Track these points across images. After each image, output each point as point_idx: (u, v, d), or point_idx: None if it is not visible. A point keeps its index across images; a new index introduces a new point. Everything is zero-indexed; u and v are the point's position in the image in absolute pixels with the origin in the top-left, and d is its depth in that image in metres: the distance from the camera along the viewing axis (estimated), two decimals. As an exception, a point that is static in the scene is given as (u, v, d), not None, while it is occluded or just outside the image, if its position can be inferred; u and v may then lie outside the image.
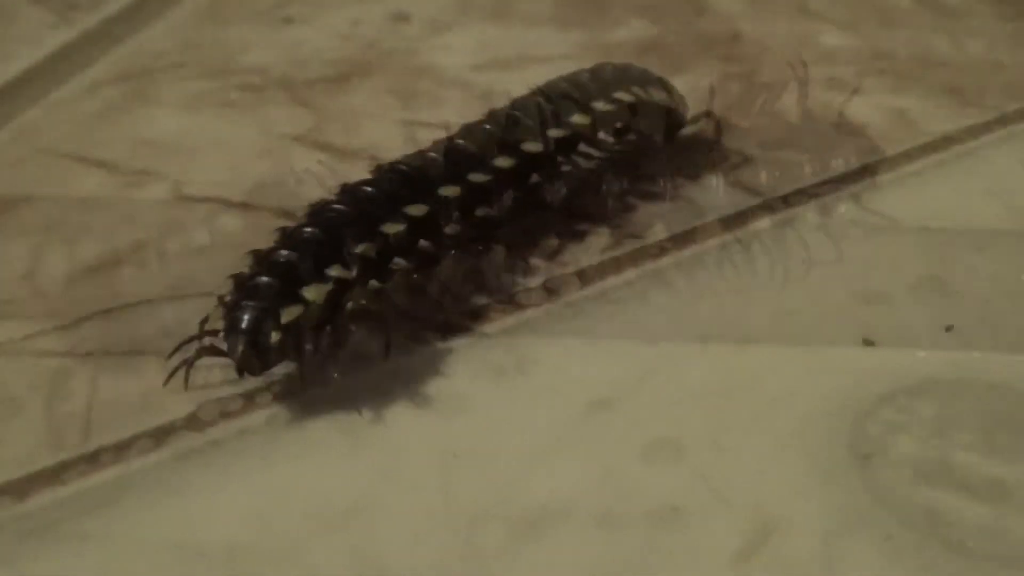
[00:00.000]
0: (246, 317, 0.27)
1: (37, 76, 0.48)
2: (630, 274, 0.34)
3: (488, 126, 0.34)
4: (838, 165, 0.39)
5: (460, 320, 0.32)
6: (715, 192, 0.38)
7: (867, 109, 0.43)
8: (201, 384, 0.29)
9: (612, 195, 0.36)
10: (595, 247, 0.35)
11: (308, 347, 0.28)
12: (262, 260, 0.29)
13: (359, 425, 0.28)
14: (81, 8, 0.55)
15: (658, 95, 0.38)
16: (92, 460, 0.28)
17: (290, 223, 0.30)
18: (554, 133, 0.35)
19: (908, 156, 0.40)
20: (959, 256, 0.34)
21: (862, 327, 0.31)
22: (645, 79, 0.39)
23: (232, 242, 0.36)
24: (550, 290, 0.33)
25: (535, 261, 0.34)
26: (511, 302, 0.32)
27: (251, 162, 0.41)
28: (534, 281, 0.33)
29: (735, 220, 0.36)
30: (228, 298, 0.28)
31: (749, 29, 0.50)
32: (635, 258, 0.34)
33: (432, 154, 0.33)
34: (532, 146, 0.34)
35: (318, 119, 0.43)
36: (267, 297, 0.28)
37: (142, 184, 0.40)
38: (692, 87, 0.44)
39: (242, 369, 0.28)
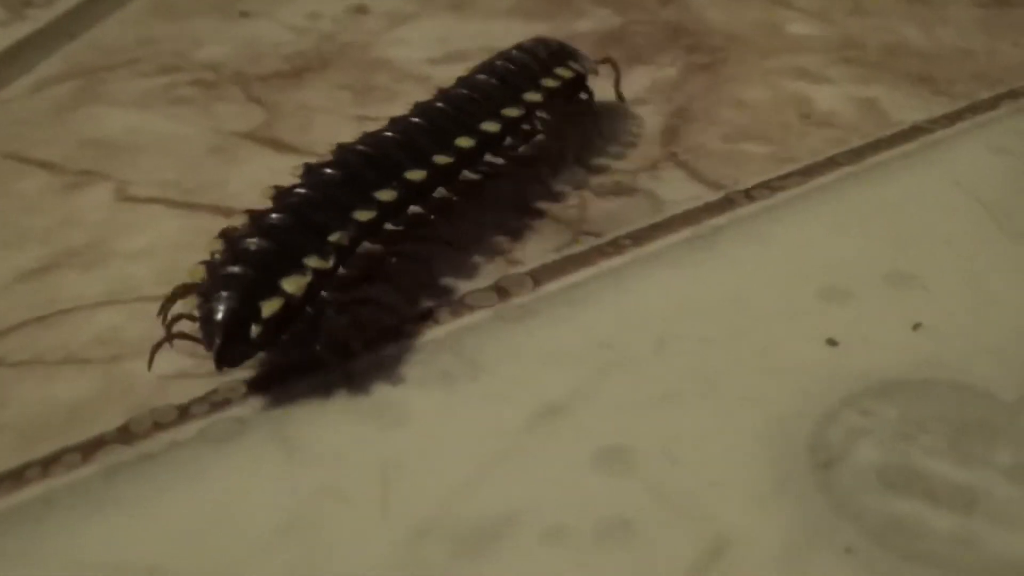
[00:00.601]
0: (225, 309, 0.26)
1: (-16, 74, 0.47)
2: (585, 273, 0.32)
3: (441, 104, 0.33)
4: (803, 157, 0.38)
5: (406, 322, 0.31)
6: (675, 186, 0.36)
7: (835, 99, 0.42)
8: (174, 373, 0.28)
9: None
10: (550, 245, 0.34)
11: (284, 337, 0.28)
12: (234, 247, 0.28)
13: (296, 436, 0.27)
14: (36, 4, 0.54)
15: (585, 65, 0.39)
16: (18, 476, 0.26)
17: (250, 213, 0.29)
18: (510, 112, 0.34)
19: (875, 147, 0.39)
20: (927, 250, 0.33)
21: (826, 326, 0.30)
22: (571, 53, 0.39)
23: (174, 244, 0.35)
24: (501, 290, 0.32)
25: (486, 260, 0.33)
26: (460, 303, 0.31)
27: (199, 161, 0.39)
28: (484, 281, 0.32)
29: (695, 215, 0.35)
30: (202, 285, 0.27)
31: (716, 18, 0.49)
32: (591, 257, 0.33)
33: (389, 134, 0.32)
34: (491, 126, 0.34)
35: (270, 116, 0.42)
36: (246, 288, 0.27)
37: (85, 185, 0.38)
38: (654, 79, 0.43)
39: (221, 362, 0.27)
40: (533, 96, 0.36)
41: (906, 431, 0.27)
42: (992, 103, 0.42)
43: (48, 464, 0.27)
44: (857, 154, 0.38)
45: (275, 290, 0.27)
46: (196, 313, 0.27)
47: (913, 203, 0.36)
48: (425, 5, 0.51)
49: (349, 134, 0.37)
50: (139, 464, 0.26)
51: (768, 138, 0.39)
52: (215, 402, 0.28)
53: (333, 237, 0.28)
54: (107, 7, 0.54)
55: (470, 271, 0.32)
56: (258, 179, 0.38)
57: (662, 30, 0.48)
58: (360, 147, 0.31)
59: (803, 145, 0.39)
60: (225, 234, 0.28)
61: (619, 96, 0.42)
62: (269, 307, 0.26)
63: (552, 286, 0.32)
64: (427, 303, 0.31)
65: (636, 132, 0.39)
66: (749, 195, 0.36)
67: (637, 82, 0.43)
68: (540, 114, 0.37)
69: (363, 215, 0.29)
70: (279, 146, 0.40)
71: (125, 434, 0.27)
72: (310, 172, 0.30)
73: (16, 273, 0.34)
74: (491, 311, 0.31)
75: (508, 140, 0.36)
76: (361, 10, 0.51)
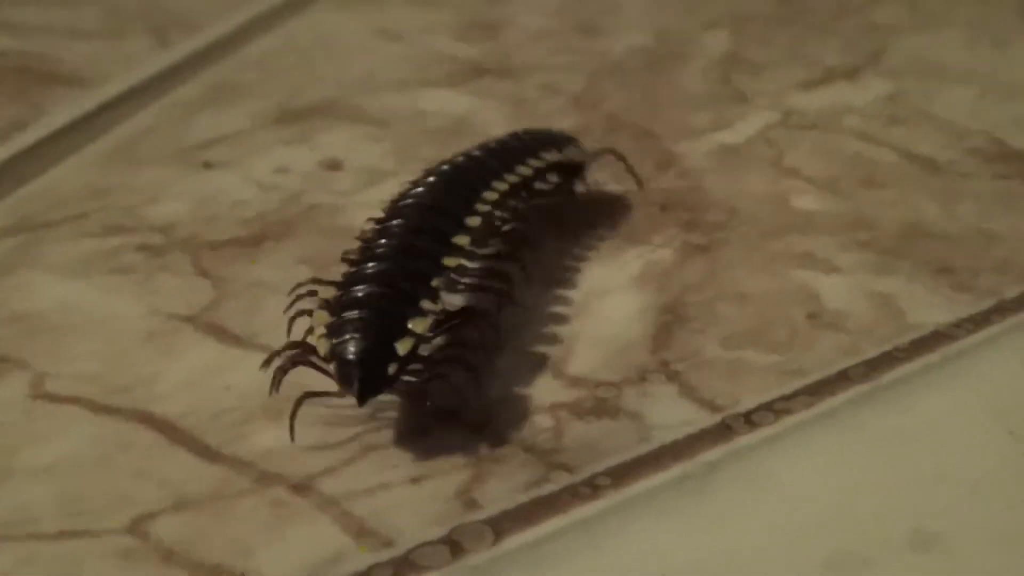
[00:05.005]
0: (361, 348, 0.29)
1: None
2: (555, 523, 0.28)
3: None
4: (811, 369, 0.34)
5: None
6: (665, 405, 0.32)
7: (846, 294, 0.38)
8: None
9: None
10: (516, 481, 0.29)
11: (410, 377, 0.30)
12: (349, 294, 0.30)
13: None
14: (-11, 138, 0.50)
15: (574, 152, 0.41)
16: None
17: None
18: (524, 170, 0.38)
19: (892, 358, 0.34)
20: (953, 500, 0.29)
21: (836, 605, 0.25)
22: (565, 140, 0.41)
23: (84, 461, 0.30)
24: (454, 545, 0.27)
25: (439, 497, 0.28)
26: (406, 562, 0.26)
27: (131, 349, 0.35)
28: (436, 530, 0.27)
29: (687, 446, 0.30)
30: (327, 329, 0.30)
31: (716, 187, 0.45)
32: (563, 501, 0.28)
33: (423, 189, 0.36)
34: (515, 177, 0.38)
35: (217, 294, 0.38)
36: (376, 329, 0.29)
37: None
38: (646, 263, 0.39)
39: (362, 398, 0.29)
40: (524, 170, 0.38)
41: None
42: (1021, 302, 0.37)
43: None
44: (872, 367, 0.34)
45: (404, 331, 0.29)
46: (329, 354, 0.29)
47: (936, 434, 0.31)
48: (404, 162, 0.47)
49: (298, 322, 0.33)
50: None
51: (772, 343, 0.35)
52: None
53: (435, 282, 0.31)
54: (66, 148, 0.50)
55: (421, 511, 0.28)
56: (190, 378, 0.34)
57: (657, 201, 0.44)
58: (411, 201, 0.35)
59: (811, 354, 0.34)
60: (332, 281, 0.31)
61: (637, 182, 0.44)
62: (404, 346, 0.29)
63: (515, 540, 0.27)
64: (368, 558, 0.26)
65: (624, 331, 0.35)
66: (749, 420, 0.31)
67: (628, 267, 0.39)
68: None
69: (451, 261, 0.32)
70: (221, 335, 0.35)
71: None
72: (384, 224, 0.33)
73: (-101, 493, 0.29)
74: (441, 574, 0.26)
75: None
76: (334, 166, 0.47)
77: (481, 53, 0.58)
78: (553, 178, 0.41)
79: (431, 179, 0.36)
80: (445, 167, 0.37)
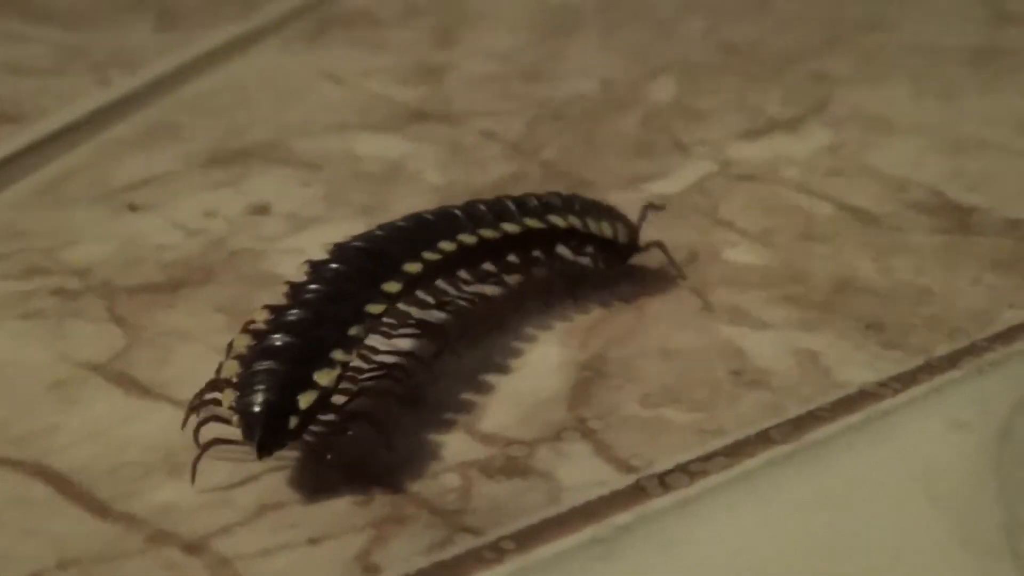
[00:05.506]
0: (262, 401, 0.28)
1: None
2: (455, 589, 0.27)
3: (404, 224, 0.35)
4: (731, 428, 0.33)
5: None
6: (578, 464, 0.31)
7: (772, 351, 0.37)
8: None
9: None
10: (419, 543, 0.28)
11: (316, 429, 0.30)
12: (262, 343, 0.30)
13: None
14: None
15: (602, 228, 0.38)
16: None
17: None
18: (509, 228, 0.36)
19: (815, 418, 0.34)
20: (872, 568, 0.28)
21: None
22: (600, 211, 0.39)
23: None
24: (349, 614, 0.26)
25: (335, 559, 0.27)
26: (297, 630, 0.25)
27: (36, 398, 0.34)
28: (332, 598, 0.26)
29: (597, 508, 0.29)
30: (235, 382, 0.29)
31: (649, 239, 0.44)
32: (464, 566, 0.27)
33: (380, 232, 0.34)
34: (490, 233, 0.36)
35: (129, 341, 0.37)
36: (280, 382, 0.29)
37: None
38: (573, 316, 0.38)
39: (262, 452, 0.28)
40: (510, 228, 0.36)
41: None
42: (951, 360, 0.37)
43: None
44: (794, 427, 0.33)
45: (309, 383, 0.29)
46: (232, 406, 0.29)
47: (855, 498, 0.30)
48: (333, 208, 0.47)
49: (208, 372, 0.32)
50: None
51: (693, 402, 0.34)
52: None
53: (353, 331, 0.30)
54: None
55: (318, 574, 0.27)
56: (93, 430, 0.33)
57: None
58: (355, 244, 0.34)
59: (732, 412, 0.33)
60: (250, 330, 0.31)
61: (679, 274, 0.41)
62: (306, 399, 0.28)
63: (412, 607, 0.26)
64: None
65: (542, 387, 0.34)
66: (663, 482, 0.30)
67: (552, 320, 0.38)
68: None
69: (375, 308, 0.31)
70: (130, 385, 0.34)
71: None
72: (317, 270, 0.32)
73: None
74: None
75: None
76: (262, 210, 0.46)
77: (422, 97, 0.58)
78: (587, 250, 0.39)
79: (399, 223, 0.35)
80: (424, 214, 0.36)
